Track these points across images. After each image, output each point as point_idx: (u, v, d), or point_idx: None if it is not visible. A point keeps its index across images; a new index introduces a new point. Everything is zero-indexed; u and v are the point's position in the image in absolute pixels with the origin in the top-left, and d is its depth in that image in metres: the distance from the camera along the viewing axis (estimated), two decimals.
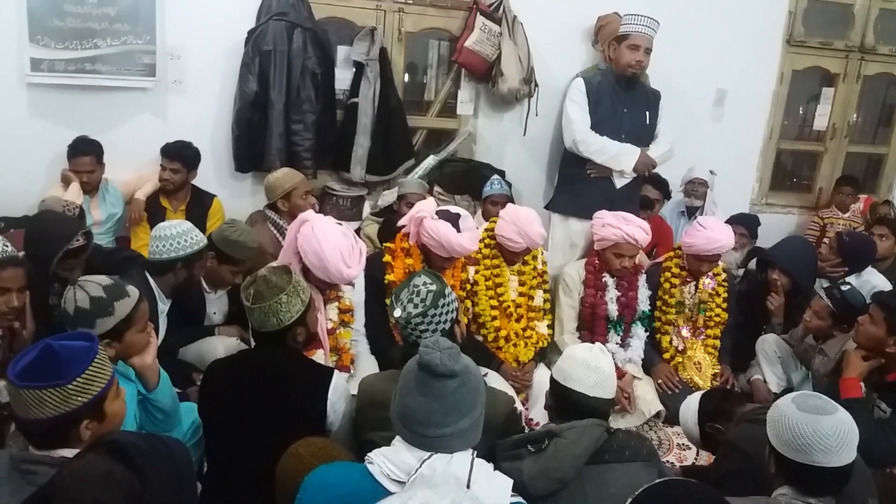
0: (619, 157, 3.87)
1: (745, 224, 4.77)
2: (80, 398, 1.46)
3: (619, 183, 3.94)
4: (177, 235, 2.93)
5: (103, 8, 3.88)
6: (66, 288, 2.52)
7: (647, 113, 3.99)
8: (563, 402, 2.08)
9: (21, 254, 2.69)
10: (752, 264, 4.20)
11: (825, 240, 4.87)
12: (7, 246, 2.62)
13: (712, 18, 4.90)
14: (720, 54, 4.96)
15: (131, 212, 4.01)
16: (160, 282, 2.94)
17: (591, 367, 2.06)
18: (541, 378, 3.33)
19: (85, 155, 3.88)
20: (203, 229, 3.79)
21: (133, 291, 2.16)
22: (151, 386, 2.16)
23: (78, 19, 3.86)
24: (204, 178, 4.22)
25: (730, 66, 5.03)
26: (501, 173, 4.53)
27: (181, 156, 3.99)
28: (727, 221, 4.60)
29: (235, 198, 4.37)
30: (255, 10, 4.18)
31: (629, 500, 1.35)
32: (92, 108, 4.06)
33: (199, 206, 4.08)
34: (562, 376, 2.09)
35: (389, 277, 3.15)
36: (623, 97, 3.92)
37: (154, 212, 4.03)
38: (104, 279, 2.14)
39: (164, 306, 2.97)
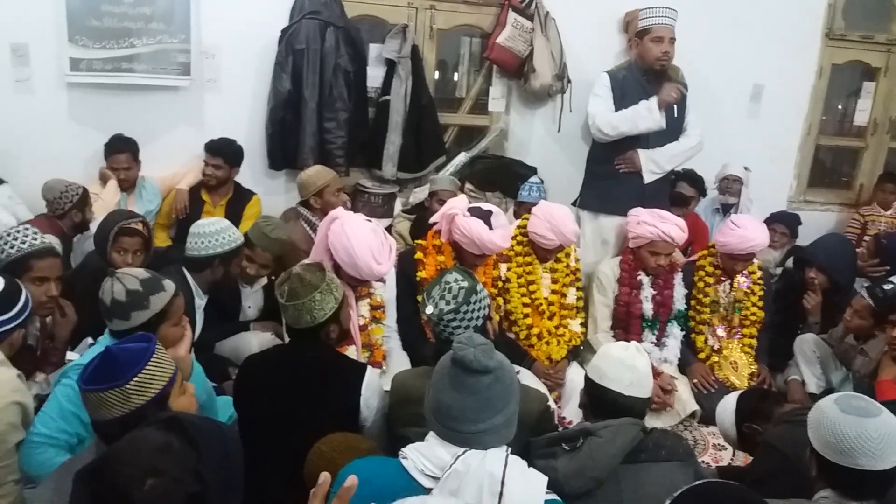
0: (639, 114, 3.78)
1: (785, 222, 4.69)
2: (141, 398, 1.51)
3: (648, 178, 3.89)
4: (215, 233, 2.97)
5: (139, 8, 3.94)
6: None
7: (675, 106, 3.93)
8: (599, 400, 2.05)
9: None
10: (790, 262, 4.12)
11: (865, 238, 4.76)
12: (45, 238, 2.68)
13: (749, 12, 4.81)
14: (757, 49, 4.87)
15: (176, 202, 4.08)
16: (197, 278, 2.98)
17: (627, 365, 2.04)
18: (573, 376, 3.30)
19: (121, 153, 3.95)
20: (239, 225, 3.86)
21: (169, 286, 2.19)
22: (185, 378, 2.18)
23: (115, 19, 3.92)
24: (239, 176, 4.26)
25: (767, 61, 4.94)
26: (533, 170, 4.50)
27: (224, 152, 4.05)
28: (767, 220, 4.55)
29: (269, 195, 4.41)
30: (288, 9, 4.21)
31: (668, 501, 1.33)
32: (128, 106, 4.13)
33: (238, 203, 4.13)
34: (597, 375, 2.07)
35: (421, 274, 3.16)
36: (650, 91, 3.87)
37: (194, 204, 4.10)
38: (142, 272, 2.18)
39: (200, 302, 3.01)
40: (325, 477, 1.21)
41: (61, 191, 3.54)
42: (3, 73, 3.93)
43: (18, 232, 2.62)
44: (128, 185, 4.00)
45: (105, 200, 3.76)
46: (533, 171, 4.49)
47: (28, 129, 3.99)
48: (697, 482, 1.40)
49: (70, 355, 2.55)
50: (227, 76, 4.26)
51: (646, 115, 3.77)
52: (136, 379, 1.51)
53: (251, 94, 4.30)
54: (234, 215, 3.92)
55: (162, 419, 1.21)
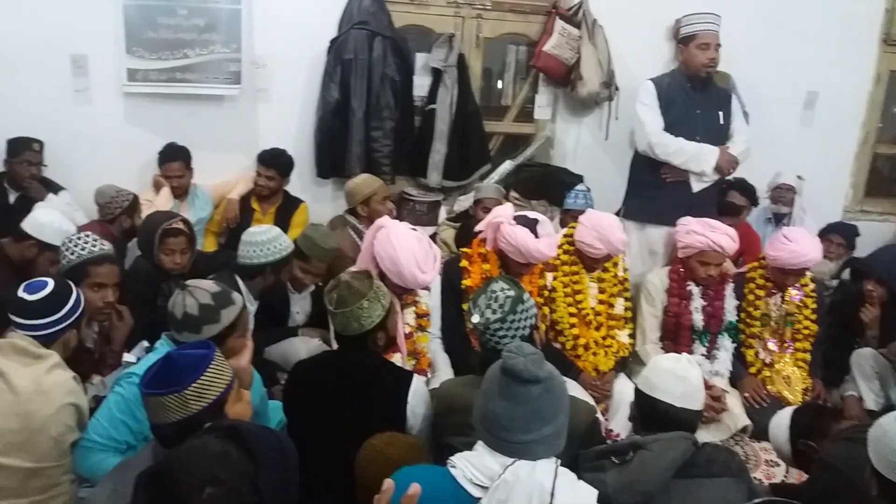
0: (698, 158, 3.75)
1: (842, 233, 4.55)
2: (198, 403, 1.54)
3: (697, 187, 3.82)
4: (267, 242, 3.00)
5: (193, 19, 4.03)
6: (170, 287, 2.65)
7: (721, 113, 3.86)
8: (649, 412, 2.02)
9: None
10: (846, 274, 4.00)
11: None
12: (104, 244, 2.76)
13: (803, 18, 4.71)
14: (811, 55, 4.76)
15: (227, 211, 4.16)
16: (249, 285, 3.02)
17: (678, 376, 2.00)
18: (621, 388, 3.26)
19: (174, 160, 4.04)
20: (287, 232, 3.92)
21: (237, 299, 2.23)
22: (245, 387, 2.21)
23: (170, 31, 4.03)
24: (287, 184, 4.33)
25: (821, 68, 4.82)
26: (579, 178, 4.47)
27: (277, 164, 4.12)
28: (823, 230, 4.43)
29: (317, 203, 4.46)
30: (337, 20, 4.26)
31: None
32: (182, 115, 4.22)
33: (287, 211, 4.19)
34: (647, 386, 2.03)
35: (466, 282, 3.15)
36: (695, 98, 3.81)
37: (244, 212, 4.17)
38: (212, 286, 2.21)
39: (252, 308, 3.05)
40: (388, 484, 1.22)
41: (112, 196, 3.65)
42: (63, 83, 4.06)
43: (80, 239, 2.70)
44: (180, 193, 4.08)
45: (158, 207, 3.85)
46: (579, 179, 4.46)
47: (86, 138, 4.11)
48: (755, 500, 1.36)
49: (126, 357, 2.61)
50: (278, 86, 4.32)
51: (703, 160, 3.74)
52: (194, 385, 1.54)
53: (300, 104, 4.36)
54: (283, 223, 3.97)
55: (221, 427, 1.22)
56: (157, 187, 4.05)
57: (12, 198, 3.83)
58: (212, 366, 1.58)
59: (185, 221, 3.20)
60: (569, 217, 4.07)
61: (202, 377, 1.55)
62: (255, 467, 1.15)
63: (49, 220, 2.98)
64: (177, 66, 4.08)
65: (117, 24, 3.96)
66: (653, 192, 3.89)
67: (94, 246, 2.69)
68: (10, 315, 2.16)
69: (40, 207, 3.37)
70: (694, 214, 3.55)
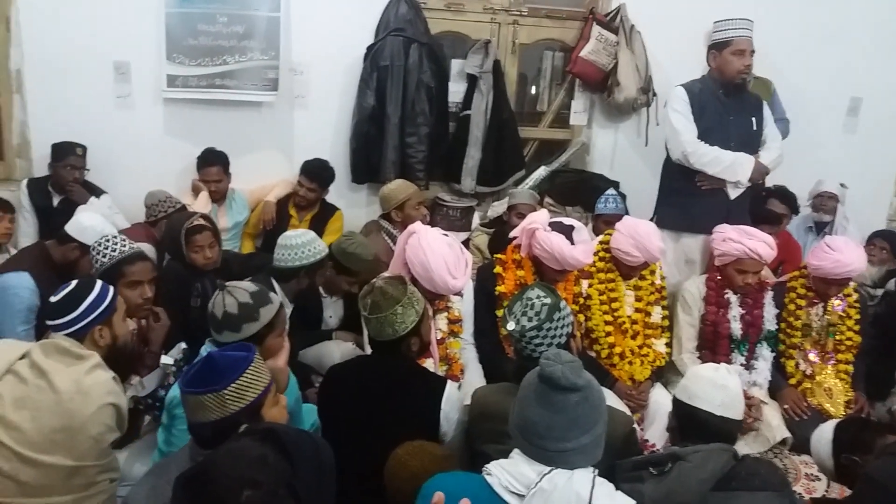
0: (734, 168, 3.69)
1: (888, 239, 4.44)
2: (236, 404, 1.55)
3: (734, 194, 3.75)
4: (301, 245, 3.03)
5: (233, 27, 4.09)
6: (203, 287, 2.68)
7: (754, 119, 3.79)
8: (688, 422, 1.99)
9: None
10: (892, 284, 3.89)
11: None
12: (132, 244, 2.80)
13: (846, 23, 4.62)
14: (855, 61, 4.68)
15: (264, 213, 4.21)
16: (285, 287, 3.05)
17: (718, 385, 1.98)
18: (657, 398, 3.21)
19: (212, 165, 4.10)
20: (320, 235, 3.96)
21: (275, 298, 2.26)
22: (281, 388, 2.23)
23: (210, 38, 4.09)
24: None
25: (865, 74, 4.74)
26: (615, 184, 4.43)
27: (321, 177, 4.16)
28: (869, 237, 4.33)
29: (351, 208, 4.49)
30: (374, 27, 4.30)
31: None
32: (220, 121, 4.29)
33: (323, 218, 4.22)
34: (686, 395, 2.00)
35: (500, 289, 3.14)
36: (728, 104, 3.75)
37: (281, 216, 4.21)
38: (250, 286, 2.25)
39: (287, 310, 3.08)
40: (438, 497, 1.21)
41: (161, 199, 3.75)
42: (106, 89, 4.15)
43: (108, 241, 2.75)
44: (218, 197, 4.14)
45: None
46: (615, 185, 4.42)
47: (127, 143, 4.20)
48: None
49: (164, 359, 2.64)
50: (314, 92, 4.37)
51: (738, 170, 3.69)
52: (233, 385, 1.55)
53: (336, 110, 4.40)
54: (318, 230, 4.00)
55: (258, 430, 1.23)
56: (196, 191, 4.12)
57: (56, 201, 3.93)
58: (251, 368, 1.60)
59: (205, 217, 3.25)
60: (601, 222, 4.04)
61: (241, 378, 1.57)
62: (293, 470, 1.16)
63: (91, 224, 3.04)
64: (216, 73, 4.15)
65: (159, 31, 4.05)
66: (687, 199, 3.83)
67: (123, 246, 2.74)
68: (44, 317, 2.21)
69: (83, 211, 3.44)
70: (731, 222, 3.49)
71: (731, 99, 3.76)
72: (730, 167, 3.68)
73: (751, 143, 3.77)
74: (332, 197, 4.37)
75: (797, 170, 4.05)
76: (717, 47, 3.75)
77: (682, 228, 3.86)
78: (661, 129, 4.44)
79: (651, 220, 4.01)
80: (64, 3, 3.99)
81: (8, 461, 1.91)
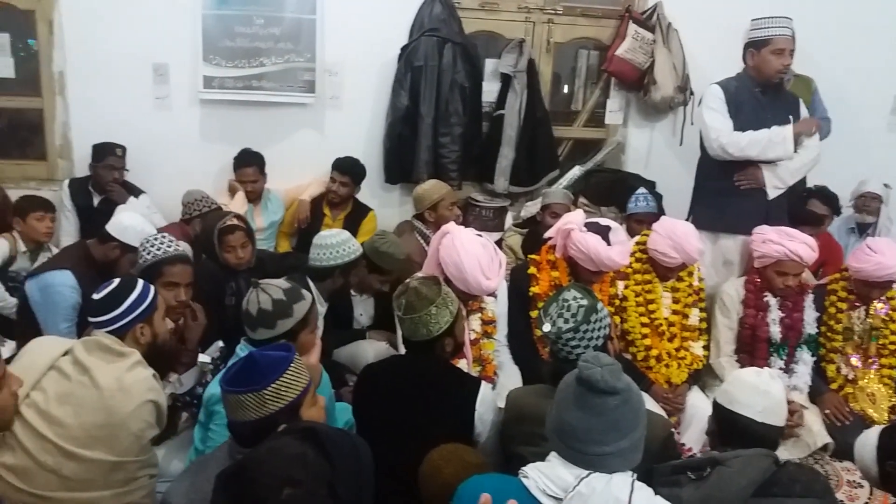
0: (774, 142, 3.59)
1: None
2: (275, 404, 1.56)
3: (773, 194, 3.67)
4: (337, 245, 3.05)
5: (269, 28, 4.14)
6: (237, 285, 2.70)
7: (791, 118, 3.71)
8: (728, 427, 1.96)
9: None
10: None
11: None
12: (178, 246, 2.85)
13: (889, 20, 4.50)
14: None
15: (298, 212, 4.25)
16: (319, 287, 3.07)
17: (760, 391, 1.95)
18: (694, 402, 3.17)
19: (249, 166, 4.15)
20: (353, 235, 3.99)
21: (307, 294, 2.28)
22: (314, 385, 2.24)
23: (247, 39, 4.14)
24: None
25: None
26: (651, 184, 4.38)
27: (353, 172, 4.19)
28: None
29: (384, 208, 4.51)
30: (408, 27, 4.31)
31: None
32: (255, 121, 4.34)
33: (356, 218, 4.24)
34: (727, 400, 1.97)
35: (534, 290, 3.12)
36: (765, 102, 3.67)
37: (315, 216, 4.25)
38: (283, 283, 2.27)
39: (322, 309, 3.10)
40: (486, 498, 1.21)
41: (197, 198, 3.81)
42: (145, 90, 4.22)
43: (156, 240, 2.80)
44: (254, 197, 4.18)
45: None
46: (651, 185, 4.37)
47: (164, 144, 4.27)
48: None
49: (201, 357, 2.68)
50: (348, 93, 4.40)
51: (779, 143, 3.59)
52: (273, 385, 1.56)
53: (370, 111, 4.42)
54: (352, 229, 4.02)
55: (298, 429, 1.24)
56: (232, 192, 4.16)
57: (96, 201, 4.01)
58: (291, 368, 1.60)
59: (239, 217, 3.28)
60: (633, 221, 4.00)
61: (281, 378, 1.57)
62: (332, 469, 1.16)
63: (132, 223, 3.09)
64: (252, 74, 4.20)
65: (196, 33, 4.10)
66: (724, 200, 3.75)
67: (168, 247, 2.78)
68: (86, 314, 2.25)
69: (123, 210, 3.51)
70: (771, 222, 3.42)
71: (768, 97, 3.69)
72: (769, 144, 3.58)
73: None
74: (364, 197, 4.40)
75: (839, 170, 3.96)
76: (755, 45, 3.67)
77: (720, 229, 3.79)
78: (697, 128, 4.40)
79: (687, 220, 3.97)
80: (105, 6, 4.07)
81: (51, 455, 1.96)
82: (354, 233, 4.05)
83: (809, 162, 3.70)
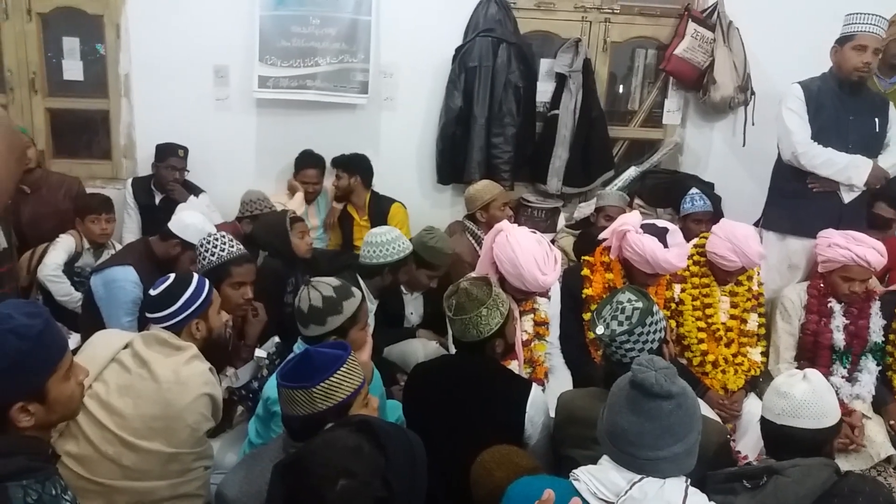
0: (848, 170, 3.50)
1: None
2: (325, 403, 1.58)
3: (848, 198, 3.55)
4: (387, 243, 3.08)
5: (325, 28, 4.19)
6: (297, 281, 2.75)
7: (877, 120, 3.57)
8: (762, 432, 1.99)
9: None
10: None
11: None
12: (240, 245, 2.91)
13: None
14: None
15: (330, 216, 4.32)
16: (369, 284, 3.10)
17: (780, 392, 1.93)
18: (751, 409, 3.07)
19: (311, 168, 4.21)
20: None
21: (357, 292, 2.31)
22: (367, 384, 2.26)
23: (302, 39, 4.20)
24: (407, 189, 4.43)
25: None
26: (709, 186, 4.28)
27: (344, 165, 4.20)
28: None
29: (436, 208, 4.53)
30: (462, 28, 4.31)
31: None
32: (310, 122, 4.40)
33: (378, 212, 4.21)
34: (763, 404, 1.96)
35: (587, 292, 3.08)
36: (848, 103, 3.54)
37: (343, 218, 4.29)
38: (334, 281, 2.31)
39: (372, 306, 3.13)
40: (548, 494, 1.20)
41: (258, 199, 3.88)
42: (206, 92, 4.33)
43: (217, 240, 2.85)
44: (312, 198, 4.24)
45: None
46: (710, 186, 4.27)
47: (223, 144, 4.37)
48: None
49: (258, 352, 2.72)
50: (402, 94, 4.42)
51: (853, 172, 3.50)
52: (323, 384, 1.57)
53: (424, 111, 4.44)
54: (380, 224, 4.00)
55: (353, 421, 1.25)
56: (292, 191, 4.24)
57: (158, 199, 4.13)
58: (343, 368, 1.62)
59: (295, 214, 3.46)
60: (689, 221, 3.92)
61: (331, 377, 1.59)
62: (386, 462, 1.17)
63: (193, 222, 3.17)
64: (307, 74, 4.25)
65: (254, 34, 4.18)
66: (797, 201, 3.64)
67: (231, 247, 2.84)
68: (143, 310, 2.32)
69: (183, 209, 3.60)
70: (843, 227, 3.30)
71: (852, 98, 3.55)
72: (843, 169, 3.49)
73: (871, 146, 3.56)
74: (416, 198, 4.42)
75: None
76: (839, 41, 3.54)
77: (788, 231, 3.69)
78: (759, 129, 4.29)
79: (757, 221, 3.87)
80: (169, 10, 4.19)
81: (112, 445, 2.02)
82: (384, 225, 4.07)
83: (892, 167, 3.57)
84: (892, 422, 3.19)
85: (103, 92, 4.38)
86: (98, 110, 4.46)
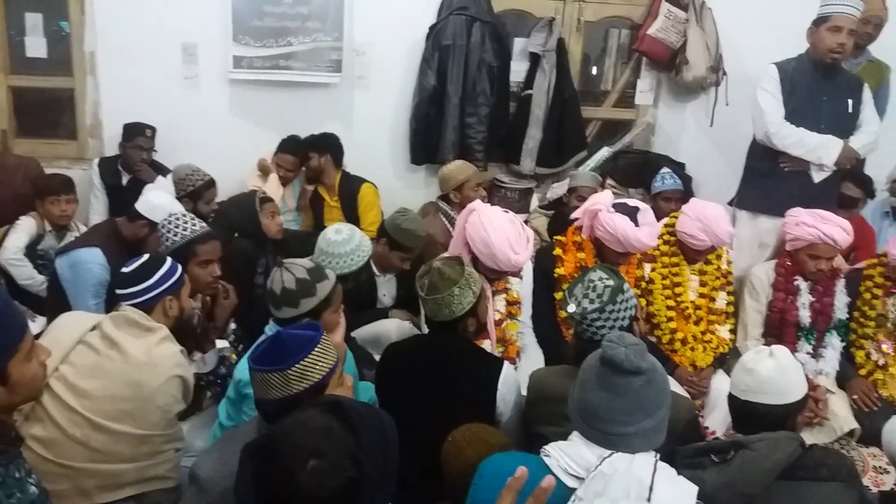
0: (818, 150, 3.54)
1: None
2: (300, 384, 1.56)
3: (818, 177, 3.60)
4: (345, 255, 2.85)
5: (298, 7, 4.13)
6: (267, 262, 2.72)
7: (850, 101, 3.61)
8: (729, 407, 2.03)
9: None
10: None
11: None
12: (202, 223, 2.86)
13: None
14: None
15: (302, 198, 4.29)
16: None
17: (747, 369, 1.96)
18: (719, 385, 3.13)
19: (292, 154, 4.13)
20: (356, 213, 4.01)
21: (331, 274, 2.29)
22: (340, 364, 2.26)
23: (275, 18, 4.14)
24: (381, 170, 4.40)
25: None
26: (681, 166, 4.32)
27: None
28: None
29: (409, 189, 4.51)
30: (436, 6, 4.28)
31: None
32: (283, 101, 4.34)
33: (349, 193, 4.13)
34: (730, 379, 2.02)
35: (559, 271, 3.10)
36: (822, 84, 3.58)
37: (314, 199, 4.26)
38: (307, 262, 2.28)
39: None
40: (522, 471, 1.20)
41: (188, 174, 3.65)
42: (174, 70, 4.25)
43: (178, 220, 2.78)
44: (286, 182, 4.19)
45: (268, 194, 3.96)
46: (681, 167, 4.30)
47: (193, 123, 4.29)
48: None
49: (219, 343, 2.70)
50: (376, 73, 4.38)
51: (823, 155, 3.55)
52: (297, 365, 1.56)
53: (397, 90, 4.40)
54: (349, 204, 4.06)
55: (324, 402, 1.24)
56: (264, 172, 4.18)
57: (125, 179, 4.06)
58: (317, 349, 1.60)
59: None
60: (660, 200, 3.95)
61: (306, 359, 1.57)
62: (357, 442, 1.16)
63: (161, 202, 3.12)
64: (280, 54, 4.19)
65: (225, 12, 4.10)
66: (770, 181, 3.70)
67: (194, 225, 2.77)
68: (115, 288, 2.29)
69: (151, 189, 3.53)
70: (813, 206, 3.35)
71: (826, 79, 3.59)
72: (814, 149, 3.54)
73: (844, 126, 3.61)
74: (389, 178, 4.39)
75: (875, 152, 3.85)
76: (815, 22, 3.56)
77: (760, 210, 3.74)
78: (731, 109, 4.33)
79: (731, 200, 3.91)
80: None
81: (80, 427, 2.00)
82: (355, 209, 4.06)
83: (861, 148, 3.62)
84: (854, 396, 3.27)
85: (68, 70, 4.28)
86: (63, 89, 4.35)
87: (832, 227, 3.19)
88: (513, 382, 2.30)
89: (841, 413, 3.17)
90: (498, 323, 2.96)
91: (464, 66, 4.19)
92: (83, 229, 3.65)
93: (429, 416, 2.12)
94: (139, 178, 3.94)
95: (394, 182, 4.42)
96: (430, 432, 2.00)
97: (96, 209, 4.08)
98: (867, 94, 3.69)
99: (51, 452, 1.97)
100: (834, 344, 3.35)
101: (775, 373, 1.94)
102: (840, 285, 3.38)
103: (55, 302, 3.01)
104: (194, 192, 3.63)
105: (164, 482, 2.14)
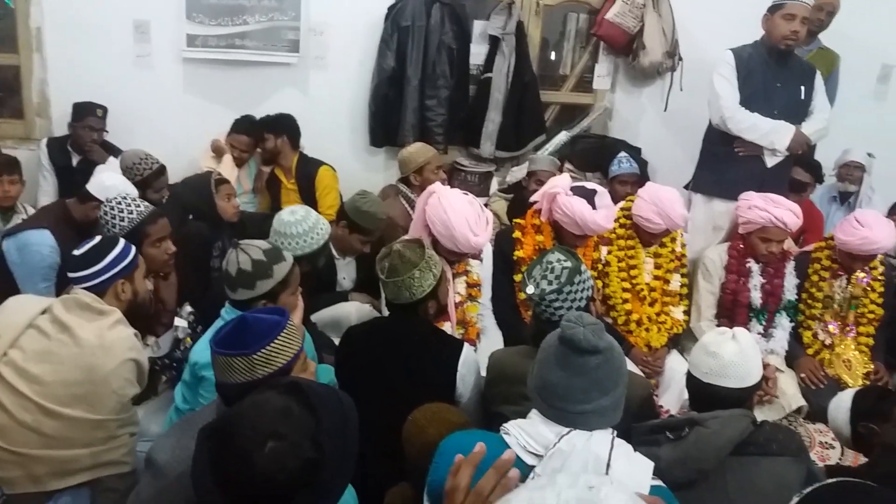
0: (771, 135, 3.62)
1: None
2: (265, 369, 1.54)
3: (771, 162, 3.68)
4: (299, 235, 2.79)
5: None
6: (223, 244, 2.68)
7: (803, 87, 3.70)
8: (687, 386, 2.04)
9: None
10: None
11: None
12: (145, 203, 2.78)
13: None
14: (887, 27, 4.53)
15: (258, 180, 4.22)
16: None
17: (709, 351, 1.98)
18: (673, 365, 3.21)
19: (247, 134, 4.05)
20: (314, 196, 3.96)
21: (288, 256, 2.26)
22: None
23: None
24: (340, 152, 4.34)
25: None
26: (637, 151, 4.37)
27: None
28: (892, 207, 4.25)
29: (369, 171, 4.48)
30: None
31: (795, 499, 1.24)
32: (239, 81, 4.26)
33: (306, 175, 4.07)
34: (689, 360, 2.02)
35: (518, 254, 3.13)
36: (776, 71, 3.65)
37: (271, 181, 4.20)
38: (264, 244, 2.25)
39: None
40: (480, 447, 1.21)
41: (138, 161, 3.43)
42: (125, 49, 4.13)
43: (120, 204, 2.66)
44: (241, 163, 4.12)
45: (223, 174, 3.89)
46: (637, 151, 4.36)
47: (145, 103, 4.19)
48: (831, 480, 1.30)
49: (177, 321, 2.66)
50: (334, 53, 4.32)
51: (776, 140, 3.61)
52: (263, 350, 1.54)
53: (356, 72, 4.35)
54: (307, 187, 4.00)
55: (283, 383, 1.23)
56: (218, 153, 4.10)
57: (75, 160, 3.94)
58: (283, 334, 1.58)
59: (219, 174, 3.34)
60: (616, 184, 4.00)
61: (272, 344, 1.56)
62: (317, 423, 1.15)
63: (113, 183, 3.04)
64: (236, 33, 4.11)
65: None
66: (724, 165, 3.76)
67: (139, 206, 2.68)
68: (66, 271, 2.23)
69: (103, 170, 3.44)
70: (766, 190, 3.43)
71: (780, 66, 3.66)
72: (767, 134, 3.61)
73: (796, 113, 3.69)
74: (348, 160, 4.35)
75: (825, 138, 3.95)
76: (770, 10, 3.61)
77: (715, 193, 3.81)
78: (686, 94, 4.39)
79: (688, 184, 3.97)
80: None
81: (31, 413, 1.95)
82: (312, 192, 4.00)
83: (813, 133, 3.70)
84: (802, 375, 3.38)
85: (13, 47, 4.12)
86: (8, 66, 4.20)
87: (783, 211, 3.27)
88: (472, 364, 2.32)
89: (789, 391, 3.27)
90: (458, 305, 2.97)
91: (423, 48, 4.17)
92: (31, 211, 3.54)
93: (389, 399, 2.13)
94: (90, 159, 3.84)
95: (353, 164, 4.39)
96: (391, 414, 2.01)
97: (45, 190, 3.96)
98: (819, 82, 3.77)
99: (1, 439, 1.92)
100: (783, 324, 3.44)
101: (738, 357, 1.96)
102: (790, 267, 3.48)
103: (3, 285, 2.90)
104: (143, 181, 3.37)
105: (119, 467, 2.10)
